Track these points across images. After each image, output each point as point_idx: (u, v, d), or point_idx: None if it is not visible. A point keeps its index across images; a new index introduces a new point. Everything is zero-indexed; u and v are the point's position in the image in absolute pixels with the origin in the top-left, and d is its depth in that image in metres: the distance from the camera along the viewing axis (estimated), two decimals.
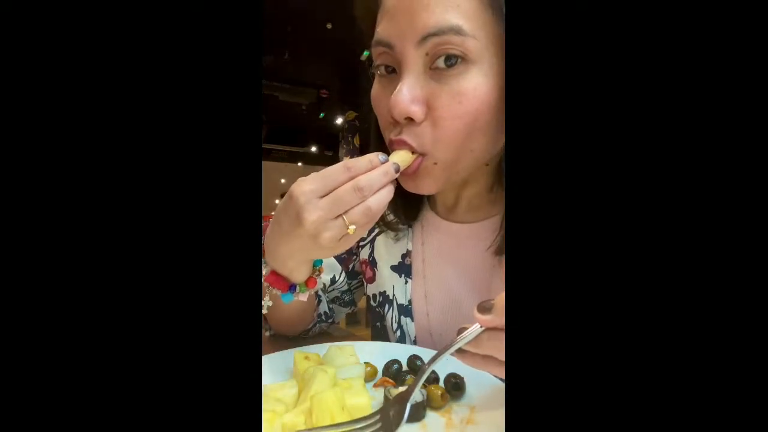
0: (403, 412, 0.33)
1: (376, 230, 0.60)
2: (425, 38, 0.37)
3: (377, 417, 0.34)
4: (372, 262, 0.60)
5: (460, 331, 0.32)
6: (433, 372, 0.40)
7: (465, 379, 0.39)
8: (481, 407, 0.37)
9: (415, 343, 0.55)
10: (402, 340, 0.55)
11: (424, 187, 0.43)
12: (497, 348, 0.30)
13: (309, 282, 0.44)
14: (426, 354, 0.44)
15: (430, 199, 0.57)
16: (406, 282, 0.55)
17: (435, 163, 0.41)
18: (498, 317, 0.29)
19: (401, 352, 0.45)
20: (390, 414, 0.34)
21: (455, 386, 0.38)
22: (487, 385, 0.39)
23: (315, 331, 0.62)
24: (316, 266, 0.45)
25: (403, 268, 0.56)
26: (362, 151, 0.41)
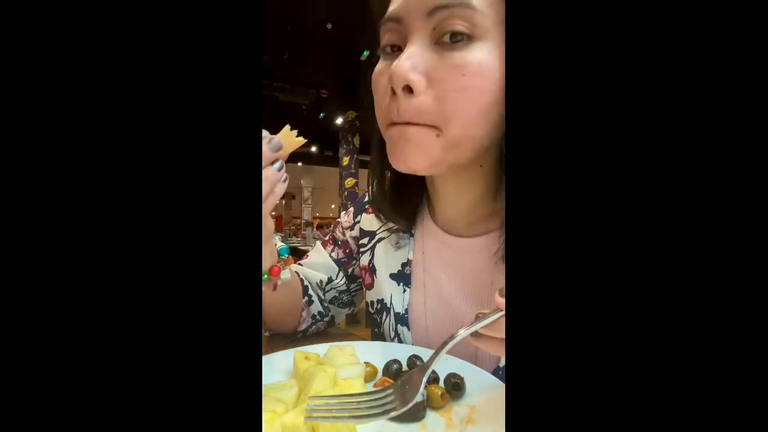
0: (419, 385, 0.33)
1: (378, 236, 0.60)
2: (434, 11, 0.36)
3: (390, 390, 0.34)
4: (372, 269, 0.59)
5: (479, 315, 0.32)
6: (433, 372, 0.40)
7: (465, 379, 0.39)
8: (481, 407, 0.37)
9: None
10: None
11: (415, 159, 0.40)
12: None
13: (272, 270, 0.46)
14: (426, 355, 0.44)
15: (430, 208, 0.56)
16: (405, 291, 0.55)
17: (438, 135, 0.38)
18: None
19: (401, 352, 0.45)
20: (405, 387, 0.34)
21: (455, 386, 0.38)
22: (487, 385, 0.39)
23: (312, 331, 0.62)
24: (281, 255, 0.47)
25: (403, 277, 0.55)
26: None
